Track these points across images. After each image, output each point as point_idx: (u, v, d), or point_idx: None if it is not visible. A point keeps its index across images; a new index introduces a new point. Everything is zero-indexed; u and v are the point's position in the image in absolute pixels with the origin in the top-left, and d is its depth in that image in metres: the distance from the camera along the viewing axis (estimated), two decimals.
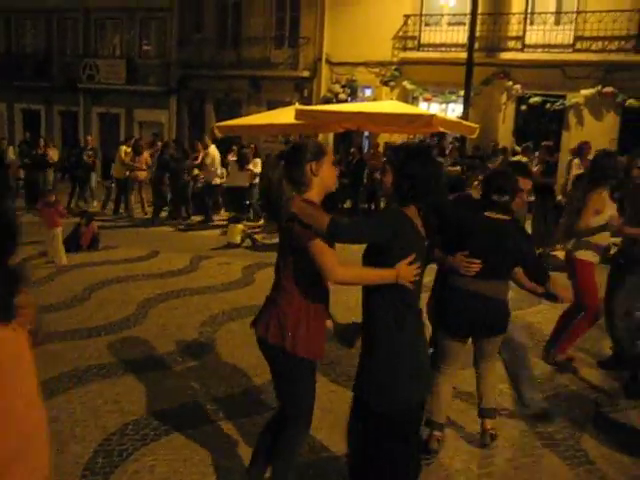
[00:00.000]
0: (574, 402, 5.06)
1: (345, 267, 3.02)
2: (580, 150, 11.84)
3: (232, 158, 15.06)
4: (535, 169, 11.59)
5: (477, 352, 4.28)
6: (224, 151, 15.70)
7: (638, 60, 16.70)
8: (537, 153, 13.09)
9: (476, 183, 6.14)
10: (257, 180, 14.19)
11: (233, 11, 22.99)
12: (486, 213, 3.98)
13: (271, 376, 3.38)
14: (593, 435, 4.50)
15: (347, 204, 16.12)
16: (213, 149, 14.46)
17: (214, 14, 23.30)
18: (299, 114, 12.56)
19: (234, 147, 13.87)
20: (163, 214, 14.54)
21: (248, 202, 14.08)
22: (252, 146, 16.19)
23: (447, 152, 12.50)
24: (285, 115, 13.72)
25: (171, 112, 24.57)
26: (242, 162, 13.38)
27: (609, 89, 17.06)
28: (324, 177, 3.21)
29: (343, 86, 20.60)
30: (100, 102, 25.51)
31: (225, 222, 12.83)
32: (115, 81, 24.65)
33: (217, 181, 14.33)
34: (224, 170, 14.89)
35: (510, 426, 4.60)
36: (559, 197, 11.84)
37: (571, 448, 4.33)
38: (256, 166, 14.25)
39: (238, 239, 11.37)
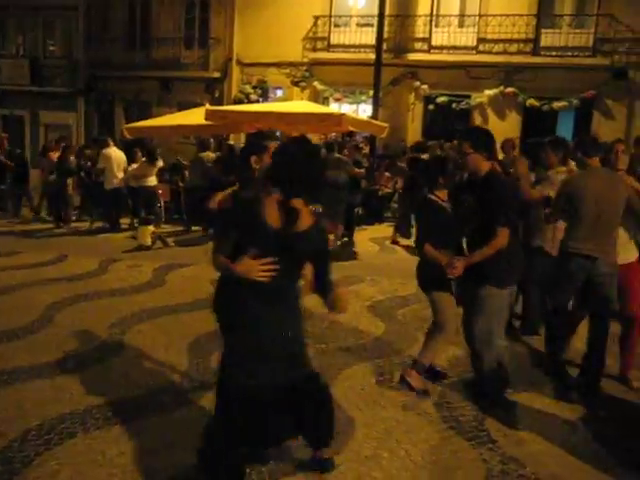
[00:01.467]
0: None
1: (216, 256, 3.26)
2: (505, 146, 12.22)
3: (142, 158, 14.71)
4: None
5: None
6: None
7: (537, 62, 17.49)
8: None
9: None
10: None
11: (142, 11, 22.62)
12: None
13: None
14: (495, 417, 4.69)
15: None
16: (110, 150, 13.80)
17: (122, 13, 22.85)
18: (209, 114, 12.47)
19: (135, 149, 13.34)
20: (73, 218, 14.14)
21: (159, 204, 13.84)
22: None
23: (346, 152, 12.63)
24: (195, 116, 13.59)
25: (79, 114, 23.93)
26: (151, 157, 12.96)
27: (511, 89, 17.79)
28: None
29: (254, 87, 20.61)
30: (3, 104, 24.56)
31: (135, 225, 12.58)
32: (19, 82, 23.78)
33: (115, 183, 13.62)
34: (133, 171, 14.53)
35: (416, 411, 4.74)
36: None
37: (475, 429, 4.51)
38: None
39: (149, 241, 11.19)
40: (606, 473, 3.99)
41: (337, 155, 11.46)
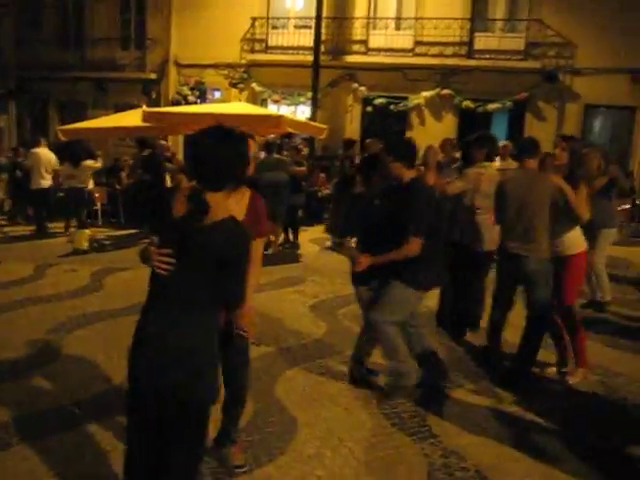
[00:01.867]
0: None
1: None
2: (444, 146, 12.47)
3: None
4: None
5: None
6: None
7: (471, 65, 17.85)
8: None
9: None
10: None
11: (75, 10, 22.12)
12: None
13: None
14: (437, 412, 4.78)
15: None
16: (38, 150, 13.40)
17: (54, 13, 22.31)
18: (146, 116, 12.30)
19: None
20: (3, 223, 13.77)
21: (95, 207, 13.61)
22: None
23: (285, 153, 12.69)
24: (132, 117, 13.38)
25: (10, 116, 23.23)
26: (74, 159, 12.62)
27: (447, 91, 18.11)
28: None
29: (192, 88, 20.40)
30: None
31: (72, 228, 12.30)
32: None
33: (41, 184, 13.25)
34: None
35: (358, 409, 4.79)
36: None
37: (417, 425, 4.59)
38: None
39: (85, 245, 10.97)
40: (542, 462, 4.12)
41: (277, 156, 11.45)
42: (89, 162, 12.54)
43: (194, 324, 2.77)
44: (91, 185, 12.77)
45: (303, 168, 12.64)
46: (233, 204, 3.18)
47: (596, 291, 7.79)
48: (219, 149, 2.78)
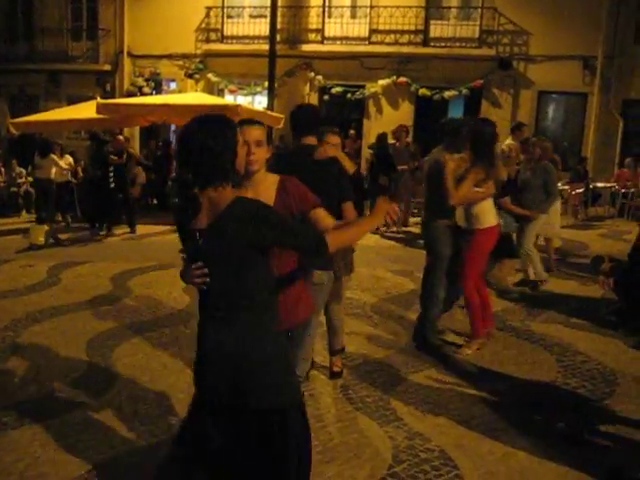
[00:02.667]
0: (384, 367, 5.38)
1: None
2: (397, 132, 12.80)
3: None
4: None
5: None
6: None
7: (427, 53, 17.98)
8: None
9: None
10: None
11: (23, 0, 21.60)
12: None
13: None
14: (400, 396, 4.82)
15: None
16: None
17: (1, 3, 21.74)
18: (101, 108, 12.15)
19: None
20: None
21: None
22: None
23: None
24: (87, 109, 13.21)
25: None
26: (44, 150, 12.53)
27: (403, 79, 18.20)
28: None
29: (147, 79, 20.13)
30: None
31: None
32: None
33: None
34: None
35: (323, 395, 4.80)
36: None
37: (381, 408, 4.61)
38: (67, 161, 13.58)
39: (42, 240, 10.75)
40: (503, 440, 4.18)
41: None
42: (55, 155, 12.55)
43: (240, 328, 2.58)
44: (51, 176, 12.63)
45: None
46: (262, 191, 3.10)
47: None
48: (204, 140, 2.55)
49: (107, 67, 20.90)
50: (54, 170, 12.74)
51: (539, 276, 8.00)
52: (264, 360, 2.58)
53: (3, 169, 15.60)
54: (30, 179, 15.42)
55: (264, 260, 2.63)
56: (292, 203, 3.16)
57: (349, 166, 4.63)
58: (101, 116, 12.26)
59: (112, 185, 12.16)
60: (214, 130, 2.58)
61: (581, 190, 14.72)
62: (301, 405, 2.78)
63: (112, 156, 12.14)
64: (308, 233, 2.76)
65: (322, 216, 3.11)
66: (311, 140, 4.35)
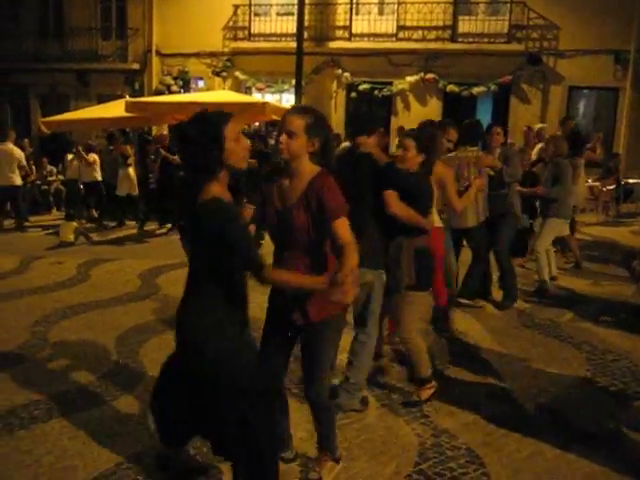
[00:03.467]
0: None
1: None
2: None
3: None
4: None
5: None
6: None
7: (455, 49, 17.84)
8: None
9: None
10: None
11: (54, 0, 21.87)
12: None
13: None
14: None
15: None
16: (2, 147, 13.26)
17: (33, 3, 22.02)
18: (130, 106, 12.22)
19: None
20: None
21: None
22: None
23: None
24: (116, 108, 13.29)
25: None
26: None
27: (431, 76, 18.07)
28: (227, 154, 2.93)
29: (175, 78, 20.25)
30: None
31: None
32: None
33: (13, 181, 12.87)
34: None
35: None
36: None
37: (408, 405, 4.58)
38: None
39: (71, 237, 10.89)
40: (531, 437, 4.14)
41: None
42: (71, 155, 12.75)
43: (195, 306, 3.04)
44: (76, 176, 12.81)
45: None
46: (296, 183, 3.20)
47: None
48: (189, 134, 2.88)
49: (136, 66, 21.07)
50: (80, 169, 12.88)
51: (542, 276, 7.69)
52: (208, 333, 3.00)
53: (34, 167, 15.83)
54: (61, 177, 15.64)
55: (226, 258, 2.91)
56: (312, 201, 3.15)
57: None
58: (130, 114, 12.35)
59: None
60: (197, 127, 2.87)
61: (612, 187, 14.50)
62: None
63: (172, 156, 12.13)
64: (251, 257, 2.88)
65: (340, 232, 3.08)
66: (362, 140, 4.37)
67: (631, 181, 15.43)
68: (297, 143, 3.15)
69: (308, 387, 3.43)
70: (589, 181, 12.33)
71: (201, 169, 2.89)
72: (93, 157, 13.75)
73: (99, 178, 13.73)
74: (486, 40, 17.80)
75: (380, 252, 4.32)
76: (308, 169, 3.21)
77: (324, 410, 3.50)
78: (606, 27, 16.58)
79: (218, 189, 2.89)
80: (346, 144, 12.11)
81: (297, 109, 3.32)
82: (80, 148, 13.56)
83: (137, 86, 20.97)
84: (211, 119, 2.90)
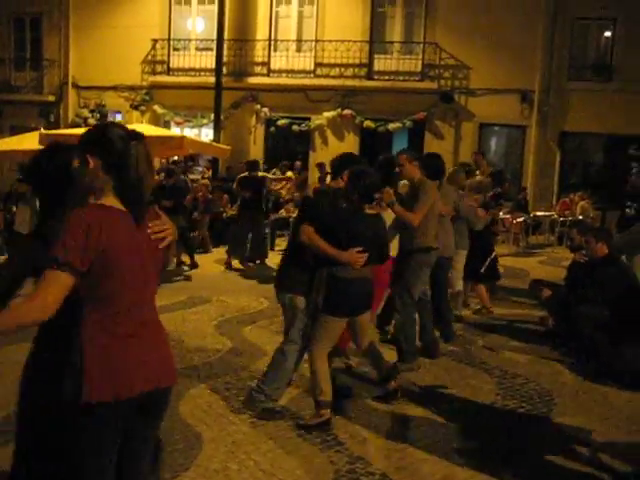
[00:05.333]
0: None
1: None
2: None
3: None
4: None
5: (358, 329, 4.91)
6: None
7: (371, 86, 18.37)
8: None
9: None
10: None
11: None
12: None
13: None
14: (341, 420, 4.84)
15: None
16: None
17: None
18: (43, 138, 11.96)
19: None
20: None
21: None
22: None
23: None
24: (29, 140, 12.96)
25: None
26: None
27: (348, 112, 18.50)
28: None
29: (92, 111, 19.97)
30: None
31: None
32: None
33: None
34: None
35: (263, 423, 4.78)
36: None
37: (322, 434, 4.61)
38: None
39: None
40: (446, 461, 4.24)
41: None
42: None
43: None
44: None
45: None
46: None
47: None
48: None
49: (51, 98, 20.71)
50: None
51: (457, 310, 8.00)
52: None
53: None
54: None
55: None
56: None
57: None
58: (43, 147, 12.08)
59: None
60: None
61: (521, 219, 15.11)
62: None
63: None
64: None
65: None
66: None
67: (539, 214, 16.12)
68: None
69: None
70: (500, 214, 12.80)
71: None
72: None
73: None
74: (401, 78, 18.44)
75: (303, 279, 4.75)
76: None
77: None
78: (513, 68, 17.47)
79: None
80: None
81: None
82: None
83: (52, 118, 20.59)
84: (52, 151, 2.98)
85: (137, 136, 2.48)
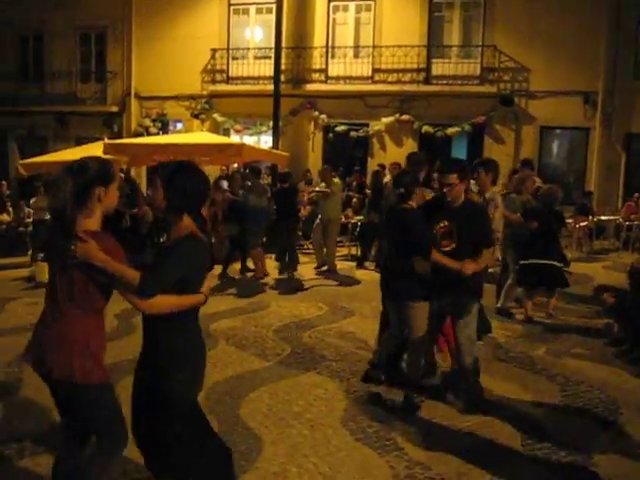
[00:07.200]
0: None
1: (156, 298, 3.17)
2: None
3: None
4: None
5: None
6: None
7: (429, 90, 18.22)
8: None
9: None
10: None
11: (34, 44, 22.12)
12: None
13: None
14: (401, 426, 4.82)
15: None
16: None
17: (13, 47, 22.28)
18: (108, 148, 12.31)
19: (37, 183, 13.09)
20: None
21: None
22: None
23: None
24: (94, 150, 13.29)
25: None
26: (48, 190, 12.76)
27: (406, 117, 18.41)
28: (107, 203, 3.22)
29: (153, 120, 20.44)
30: None
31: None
32: None
33: None
34: None
35: (323, 426, 4.80)
36: None
37: (382, 439, 4.61)
38: None
39: (47, 277, 10.80)
40: (504, 469, 4.18)
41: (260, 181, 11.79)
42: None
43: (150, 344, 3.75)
44: None
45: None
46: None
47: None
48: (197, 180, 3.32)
49: (114, 108, 21.27)
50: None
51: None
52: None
53: (11, 209, 15.79)
54: None
55: None
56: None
57: None
58: (108, 156, 12.42)
59: None
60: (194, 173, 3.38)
61: (585, 223, 14.74)
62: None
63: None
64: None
65: None
66: None
67: (603, 218, 15.71)
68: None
69: None
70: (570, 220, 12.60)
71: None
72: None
73: None
74: (459, 82, 18.25)
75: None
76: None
77: None
78: (575, 69, 17.06)
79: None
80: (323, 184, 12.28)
81: None
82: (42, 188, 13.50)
83: (115, 128, 21.13)
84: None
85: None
